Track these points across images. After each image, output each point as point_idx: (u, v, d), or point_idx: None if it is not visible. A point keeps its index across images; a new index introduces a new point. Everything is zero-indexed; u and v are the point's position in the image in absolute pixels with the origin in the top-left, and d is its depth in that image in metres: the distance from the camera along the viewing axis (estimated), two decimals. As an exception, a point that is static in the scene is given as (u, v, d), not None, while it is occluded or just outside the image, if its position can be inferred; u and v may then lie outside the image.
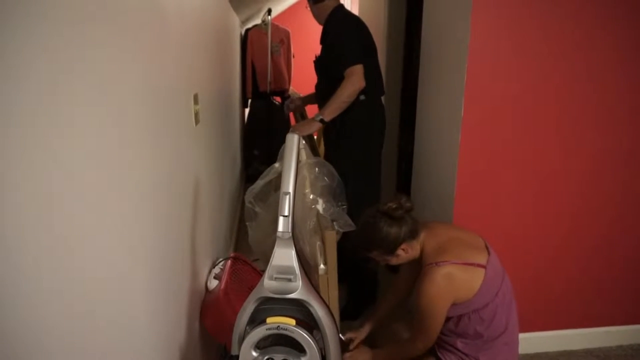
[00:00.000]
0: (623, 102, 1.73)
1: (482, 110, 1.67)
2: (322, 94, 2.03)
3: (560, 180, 1.79)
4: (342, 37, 1.94)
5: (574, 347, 1.99)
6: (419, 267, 1.44)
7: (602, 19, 1.63)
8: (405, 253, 1.42)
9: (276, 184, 1.77)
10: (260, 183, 1.76)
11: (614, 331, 2.01)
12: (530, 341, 1.88)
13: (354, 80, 1.87)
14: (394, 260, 1.45)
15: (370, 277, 2.19)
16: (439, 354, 1.50)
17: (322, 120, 1.91)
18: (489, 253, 1.41)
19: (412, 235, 1.41)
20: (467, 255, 1.38)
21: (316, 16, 2.09)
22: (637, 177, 1.83)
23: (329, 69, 2.00)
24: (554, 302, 1.94)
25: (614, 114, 1.74)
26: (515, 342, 1.49)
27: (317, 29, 2.09)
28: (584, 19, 1.62)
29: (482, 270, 1.36)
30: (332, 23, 2.02)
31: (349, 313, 2.09)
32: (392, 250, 1.40)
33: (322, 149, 2.64)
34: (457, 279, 1.35)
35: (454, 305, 1.37)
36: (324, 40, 2.07)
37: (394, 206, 1.39)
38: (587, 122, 1.73)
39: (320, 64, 2.11)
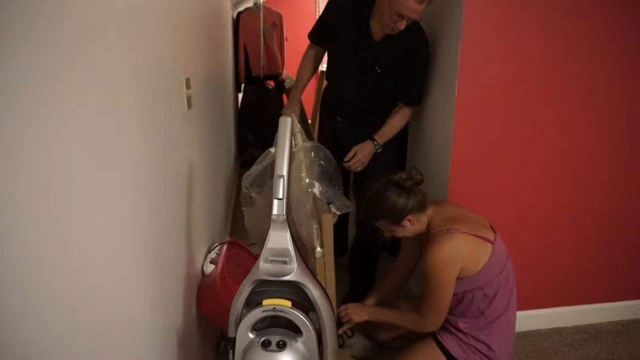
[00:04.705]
0: (618, 82, 1.72)
1: (476, 92, 1.66)
2: (361, 95, 1.91)
3: (553, 163, 1.79)
4: (426, 70, 1.85)
5: (566, 324, 2.03)
6: (421, 247, 1.44)
7: (598, 3, 1.62)
8: (412, 225, 1.43)
9: (272, 169, 1.76)
10: (256, 168, 1.75)
11: (606, 307, 2.05)
12: (522, 319, 1.91)
13: (410, 114, 1.92)
14: (400, 232, 1.46)
15: (372, 262, 2.21)
16: (437, 336, 1.52)
17: (377, 144, 1.90)
18: (495, 233, 1.44)
19: (420, 207, 1.42)
20: (477, 229, 1.40)
21: (415, 17, 1.63)
22: (635, 160, 1.84)
23: (390, 83, 1.85)
24: (545, 280, 1.97)
25: (610, 94, 1.73)
26: (513, 324, 1.52)
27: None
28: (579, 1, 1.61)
29: (490, 246, 1.39)
30: (423, 44, 1.79)
31: (353, 298, 2.11)
32: (398, 220, 1.42)
33: (315, 133, 2.63)
34: (466, 247, 1.37)
35: (459, 280, 1.38)
36: (405, 57, 1.77)
37: (404, 176, 1.41)
38: (583, 102, 1.73)
39: (387, 76, 1.82)
